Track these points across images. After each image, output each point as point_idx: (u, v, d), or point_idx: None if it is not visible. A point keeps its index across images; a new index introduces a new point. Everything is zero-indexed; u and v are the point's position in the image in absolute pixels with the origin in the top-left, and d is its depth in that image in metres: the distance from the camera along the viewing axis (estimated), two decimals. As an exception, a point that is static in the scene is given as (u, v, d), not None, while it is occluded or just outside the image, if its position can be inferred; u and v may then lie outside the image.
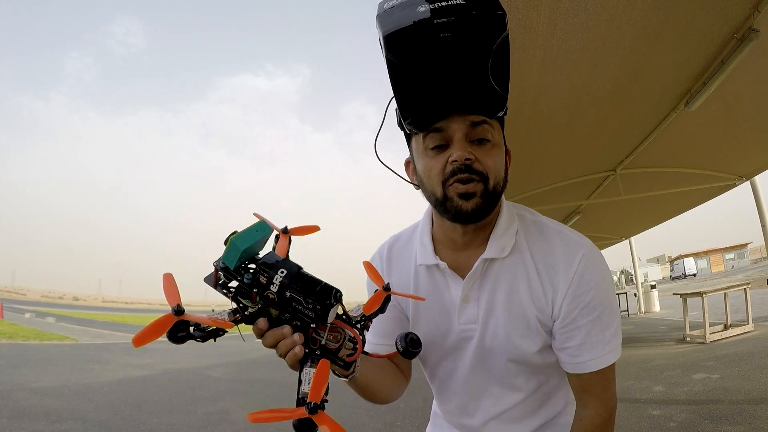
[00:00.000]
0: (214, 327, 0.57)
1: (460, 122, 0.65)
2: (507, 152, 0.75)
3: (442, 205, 0.69)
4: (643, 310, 13.08)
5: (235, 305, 0.59)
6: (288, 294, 0.55)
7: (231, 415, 4.88)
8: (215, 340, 0.58)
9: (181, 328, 0.52)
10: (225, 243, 0.57)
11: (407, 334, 0.67)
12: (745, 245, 44.84)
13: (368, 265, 0.73)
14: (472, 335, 0.77)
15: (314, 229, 0.67)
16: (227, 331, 0.58)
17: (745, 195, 5.96)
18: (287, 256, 0.61)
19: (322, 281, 0.56)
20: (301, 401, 0.52)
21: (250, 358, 10.62)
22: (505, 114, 0.68)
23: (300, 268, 0.57)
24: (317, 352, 0.58)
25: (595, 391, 0.74)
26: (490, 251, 0.73)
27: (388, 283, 0.64)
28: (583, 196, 6.52)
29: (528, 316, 0.73)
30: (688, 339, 6.75)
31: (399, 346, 0.65)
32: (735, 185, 5.79)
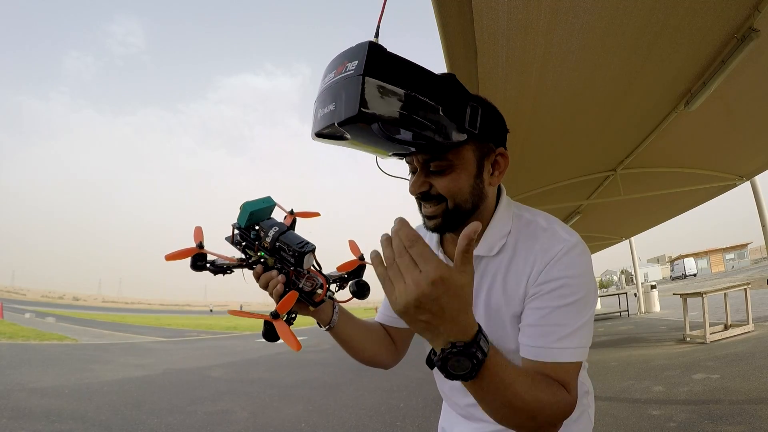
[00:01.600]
0: (225, 264, 0.82)
1: (417, 158, 0.73)
2: (501, 156, 0.77)
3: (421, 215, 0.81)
4: (643, 310, 13.08)
5: (243, 255, 0.83)
6: (276, 243, 0.76)
7: (231, 415, 4.88)
8: (224, 275, 0.83)
9: (201, 259, 0.80)
10: (240, 208, 0.79)
11: (358, 281, 0.85)
12: (745, 245, 44.86)
13: (351, 242, 0.93)
14: None
15: (315, 214, 0.89)
16: (233, 271, 0.84)
17: (745, 195, 5.96)
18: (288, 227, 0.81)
19: (303, 239, 0.77)
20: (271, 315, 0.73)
21: (250, 358, 10.63)
22: (470, 136, 0.67)
23: (289, 228, 0.79)
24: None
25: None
26: (479, 249, 0.77)
27: (362, 254, 0.87)
28: (583, 196, 6.52)
29: (502, 314, 0.76)
30: (688, 339, 6.75)
31: (350, 289, 0.85)
32: (735, 185, 5.79)
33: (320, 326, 0.87)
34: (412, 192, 0.75)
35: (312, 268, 0.79)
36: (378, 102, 0.56)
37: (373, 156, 0.83)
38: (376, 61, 0.56)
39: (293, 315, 0.78)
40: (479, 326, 0.55)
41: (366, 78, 0.55)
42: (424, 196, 0.74)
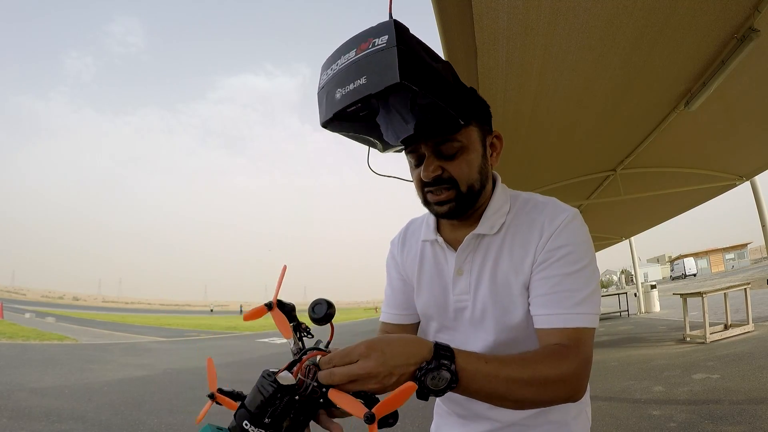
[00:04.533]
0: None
1: (427, 144, 0.74)
2: (496, 137, 0.83)
3: (426, 207, 0.81)
4: (643, 310, 13.07)
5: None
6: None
7: (231, 415, 4.88)
8: None
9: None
10: None
11: (313, 304, 0.68)
12: (745, 245, 44.86)
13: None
14: (466, 305, 0.82)
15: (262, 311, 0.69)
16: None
17: (745, 195, 5.96)
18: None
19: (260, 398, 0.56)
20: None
21: (250, 358, 10.62)
22: (473, 114, 0.74)
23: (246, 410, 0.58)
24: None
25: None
26: (480, 228, 0.80)
27: (270, 302, 0.68)
28: (583, 196, 6.52)
29: (511, 284, 0.77)
30: (688, 339, 6.75)
31: (311, 315, 0.68)
32: (735, 185, 5.79)
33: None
34: (425, 177, 0.74)
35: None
36: (412, 73, 0.57)
37: (368, 154, 0.85)
38: (405, 36, 0.58)
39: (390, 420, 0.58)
40: (434, 342, 0.58)
41: (401, 50, 0.56)
42: (436, 180, 0.74)
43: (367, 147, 0.81)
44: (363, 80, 0.59)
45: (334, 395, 0.53)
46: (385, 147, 0.78)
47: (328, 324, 0.65)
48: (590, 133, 4.27)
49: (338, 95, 0.62)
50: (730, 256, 45.07)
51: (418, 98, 0.62)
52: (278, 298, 0.68)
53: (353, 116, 0.66)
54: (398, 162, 0.89)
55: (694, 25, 2.58)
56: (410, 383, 0.50)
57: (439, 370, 0.55)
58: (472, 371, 0.58)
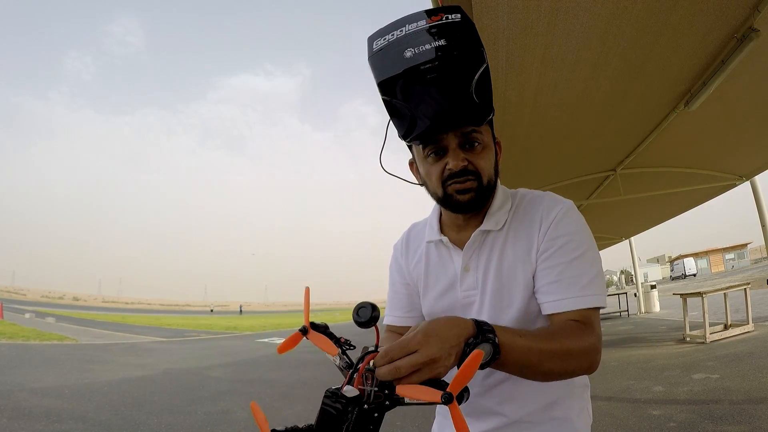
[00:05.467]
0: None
1: (453, 135, 0.77)
2: (497, 144, 0.87)
3: (443, 201, 0.83)
4: (643, 310, 13.07)
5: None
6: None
7: (231, 415, 4.88)
8: None
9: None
10: None
11: (357, 308, 0.68)
12: (745, 245, 44.85)
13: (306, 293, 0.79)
14: (474, 300, 0.85)
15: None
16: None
17: (745, 195, 5.96)
18: None
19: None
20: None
21: (250, 358, 10.63)
22: (492, 115, 0.78)
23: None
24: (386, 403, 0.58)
25: None
26: (486, 225, 0.84)
27: (304, 326, 0.70)
28: (583, 196, 6.53)
29: (518, 277, 0.80)
30: (688, 339, 6.75)
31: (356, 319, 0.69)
32: (735, 185, 5.79)
33: None
34: (455, 167, 0.77)
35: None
36: (481, 49, 0.66)
37: (380, 153, 0.90)
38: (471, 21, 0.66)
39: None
40: (473, 319, 0.61)
41: (475, 26, 0.64)
42: (463, 171, 0.78)
43: (382, 143, 0.86)
44: (443, 42, 0.64)
45: (402, 390, 0.53)
46: (410, 132, 0.76)
47: (373, 327, 0.65)
48: (590, 133, 4.27)
49: (409, 53, 0.65)
50: (730, 256, 45.07)
51: (477, 75, 0.67)
52: (310, 321, 0.69)
53: (406, 81, 0.68)
54: (404, 165, 1.00)
55: (694, 24, 2.58)
56: (477, 351, 0.51)
57: (485, 344, 0.58)
58: (510, 344, 0.61)
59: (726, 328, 6.88)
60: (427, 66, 0.65)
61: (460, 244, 0.87)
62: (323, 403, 0.55)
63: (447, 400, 0.49)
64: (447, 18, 0.65)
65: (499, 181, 0.90)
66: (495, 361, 0.59)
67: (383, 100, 0.72)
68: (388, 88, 0.70)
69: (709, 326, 6.47)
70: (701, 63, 3.05)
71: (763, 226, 5.61)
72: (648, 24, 2.53)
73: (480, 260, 0.84)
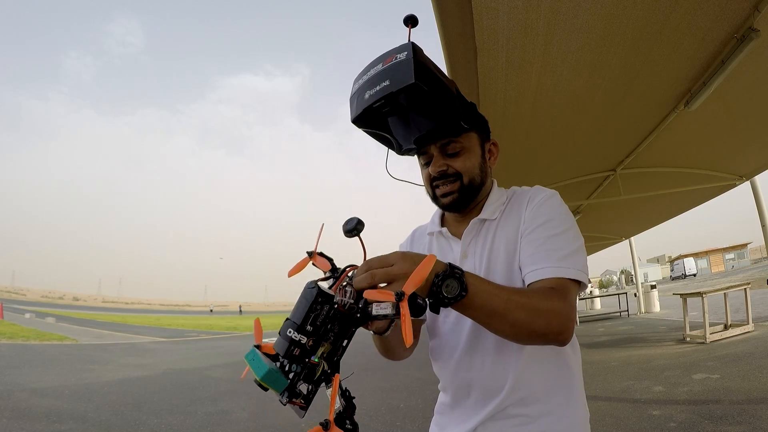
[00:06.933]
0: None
1: (434, 145, 0.88)
2: (493, 144, 0.97)
3: (433, 201, 0.95)
4: (643, 310, 13.08)
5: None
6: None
7: (231, 415, 4.88)
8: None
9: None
10: (260, 386, 0.66)
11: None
12: (745, 245, 44.88)
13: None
14: None
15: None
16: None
17: (745, 195, 5.96)
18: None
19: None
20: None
21: (250, 358, 10.61)
22: (473, 122, 0.88)
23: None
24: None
25: None
26: (483, 214, 0.92)
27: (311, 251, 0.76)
28: (583, 196, 6.53)
29: (510, 259, 0.86)
30: (688, 339, 6.76)
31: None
32: (735, 185, 5.79)
33: (374, 332, 0.81)
34: (433, 172, 0.88)
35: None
36: (424, 78, 0.72)
37: (386, 158, 0.97)
38: (420, 53, 0.73)
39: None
40: (448, 262, 0.66)
41: (416, 60, 0.72)
42: (442, 174, 0.88)
43: (387, 151, 0.94)
44: (387, 82, 0.73)
45: (369, 294, 0.59)
46: (401, 149, 0.91)
47: (358, 240, 0.71)
48: (590, 133, 4.27)
49: (367, 95, 0.77)
50: (730, 256, 45.09)
51: (428, 100, 0.77)
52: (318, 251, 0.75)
53: (378, 115, 0.81)
54: (412, 169, 1.20)
55: (694, 25, 2.58)
56: (430, 255, 0.59)
57: (452, 278, 0.63)
58: (478, 285, 0.65)
59: (726, 328, 6.88)
60: (378, 104, 0.76)
61: (459, 235, 0.94)
62: (302, 292, 0.62)
63: (399, 297, 0.55)
64: (396, 58, 0.74)
65: (496, 182, 0.99)
66: (462, 298, 0.63)
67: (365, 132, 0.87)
68: (362, 124, 0.83)
69: (709, 326, 6.47)
70: (701, 63, 3.05)
71: (763, 226, 5.61)
72: (648, 24, 2.53)
73: (477, 247, 0.92)
